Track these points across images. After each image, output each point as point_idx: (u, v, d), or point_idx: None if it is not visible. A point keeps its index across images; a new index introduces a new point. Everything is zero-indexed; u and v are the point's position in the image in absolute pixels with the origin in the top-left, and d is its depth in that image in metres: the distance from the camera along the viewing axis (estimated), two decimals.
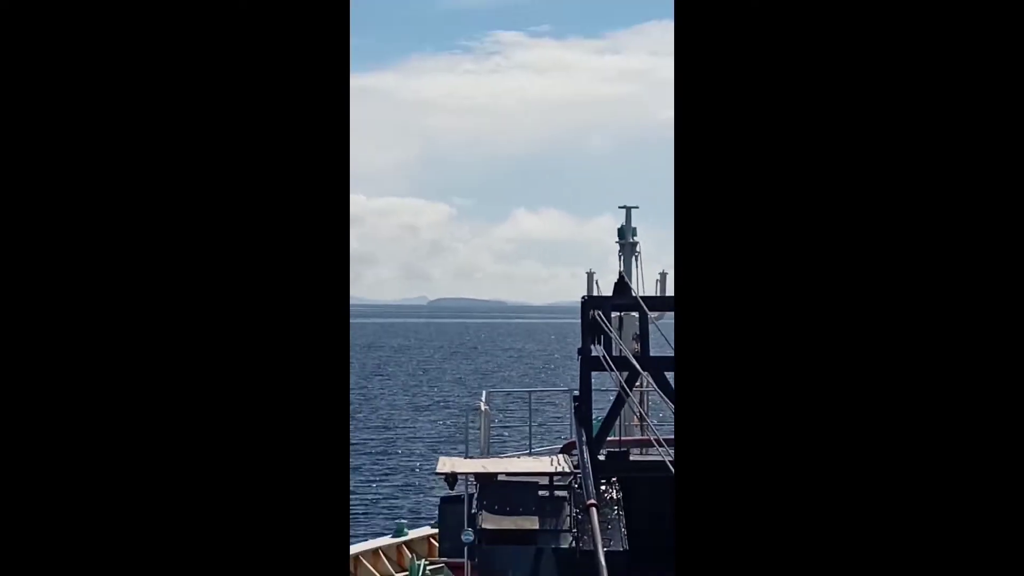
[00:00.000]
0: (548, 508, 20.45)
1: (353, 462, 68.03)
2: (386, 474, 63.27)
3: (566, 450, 22.11)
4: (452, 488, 21.40)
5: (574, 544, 19.78)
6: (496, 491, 20.83)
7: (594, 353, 21.58)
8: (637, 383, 21.72)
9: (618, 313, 21.86)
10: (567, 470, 21.13)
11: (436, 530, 24.73)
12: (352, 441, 76.92)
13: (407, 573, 26.80)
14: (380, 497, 55.11)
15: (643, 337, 21.74)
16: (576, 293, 22.34)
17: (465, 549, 20.28)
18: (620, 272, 23.00)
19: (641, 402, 22.15)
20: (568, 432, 22.15)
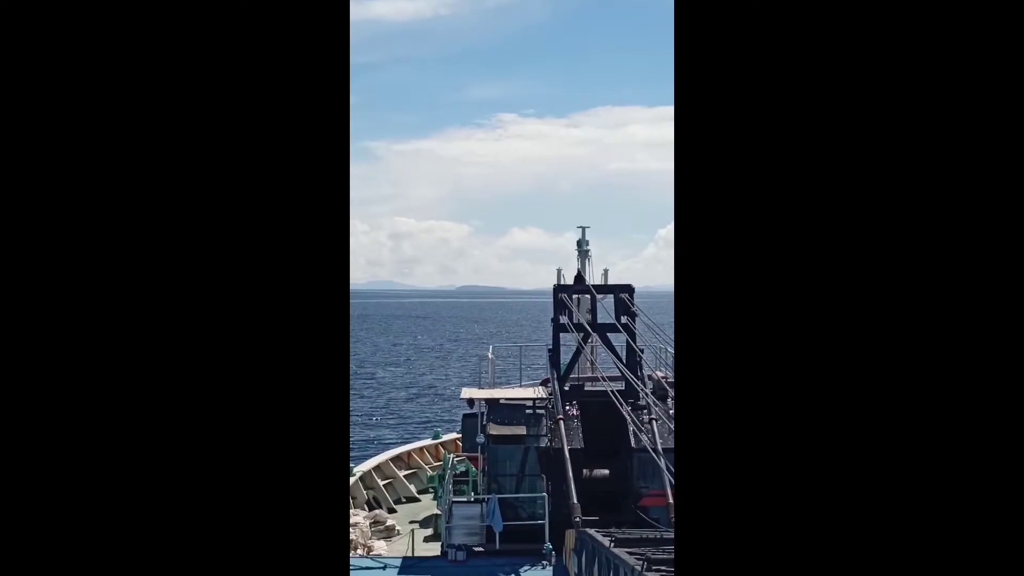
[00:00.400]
0: (532, 421, 20.54)
1: (407, 392, 68.03)
2: (429, 399, 63.28)
3: (544, 384, 22.13)
4: (471, 408, 21.72)
5: (549, 444, 19.77)
6: (499, 410, 20.97)
7: (562, 321, 21.57)
8: (589, 340, 21.65)
9: (576, 295, 21.93)
10: (544, 396, 21.19)
11: (460, 435, 24.80)
12: (407, 381, 76.94)
13: (441, 463, 26.61)
14: (424, 415, 55.00)
15: (592, 311, 21.74)
16: (551, 282, 22.37)
17: (479, 447, 20.52)
18: (578, 269, 23.17)
19: (591, 352, 22.15)
20: (545, 372, 22.17)
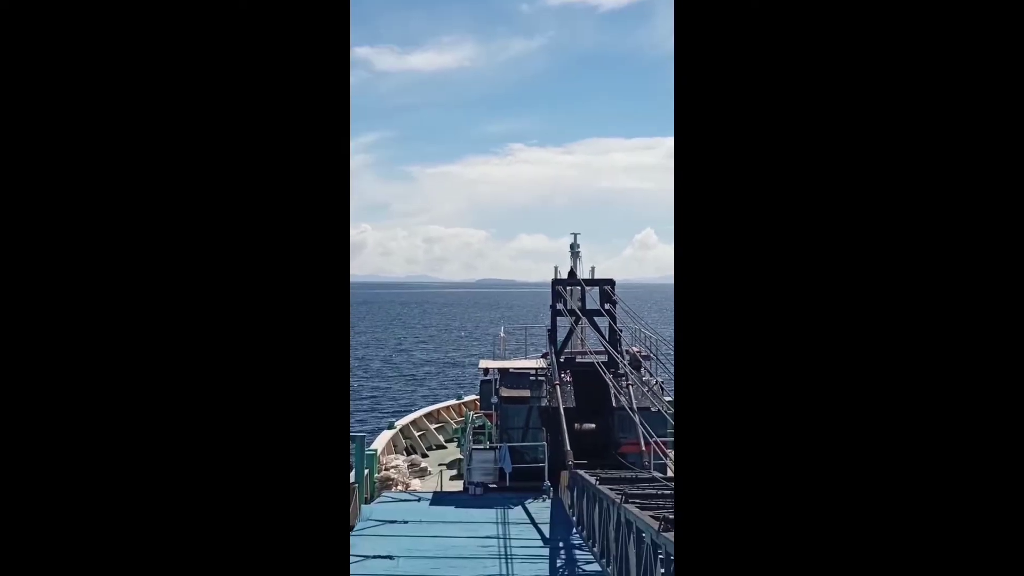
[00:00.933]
0: (534, 385, 20.40)
1: (437, 364, 67.90)
2: (454, 368, 63.26)
3: (544, 356, 22.02)
4: (486, 375, 21.55)
5: (547, 403, 19.71)
6: (509, 377, 20.86)
7: (558, 307, 21.51)
8: (579, 323, 21.62)
9: (569, 287, 21.88)
10: (544, 366, 21.08)
11: (478, 396, 24.78)
12: (436, 355, 76.91)
13: (463, 419, 26.57)
14: (450, 381, 54.92)
15: (582, 300, 21.68)
16: (550, 277, 22.33)
17: (493, 406, 20.37)
18: (571, 266, 23.01)
19: (581, 332, 22.07)
20: (545, 347, 22.14)
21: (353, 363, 67.25)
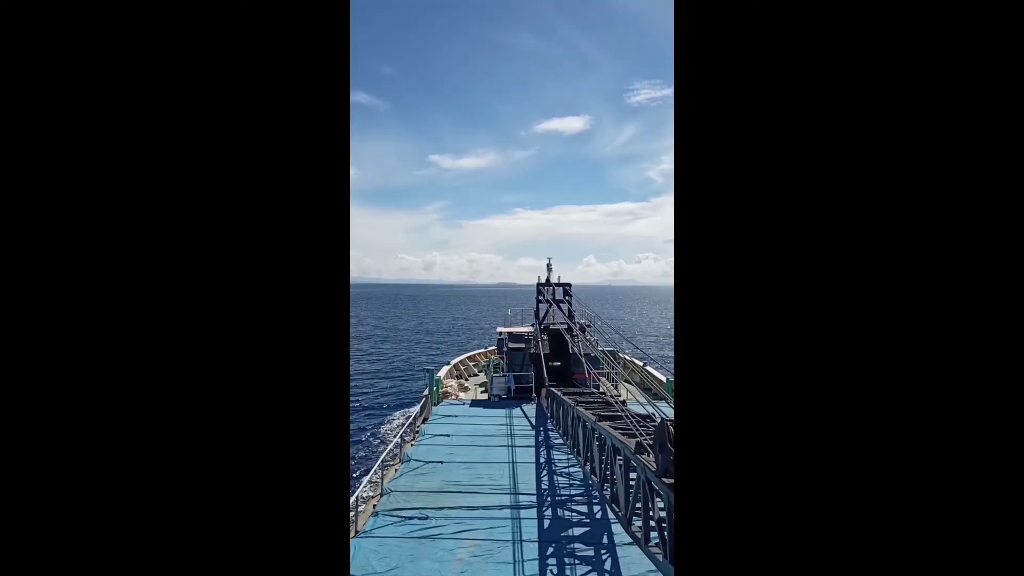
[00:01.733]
0: (527, 340, 20.13)
1: (473, 329, 66.83)
2: (485, 331, 62.55)
3: (532, 325, 21.67)
4: (500, 335, 21.52)
5: (534, 350, 19.36)
6: (513, 336, 20.74)
7: (540, 298, 21.13)
8: (551, 306, 21.11)
9: (546, 287, 21.53)
10: (532, 330, 20.85)
11: (496, 347, 24.65)
12: (470, 323, 75.92)
13: (488, 359, 26.11)
14: (482, 338, 54.04)
15: (553, 294, 21.31)
16: (536, 281, 22.25)
17: (504, 352, 20.20)
18: (548, 276, 22.71)
19: (552, 310, 21.67)
20: (533, 319, 21.76)
21: (425, 324, 67.09)
